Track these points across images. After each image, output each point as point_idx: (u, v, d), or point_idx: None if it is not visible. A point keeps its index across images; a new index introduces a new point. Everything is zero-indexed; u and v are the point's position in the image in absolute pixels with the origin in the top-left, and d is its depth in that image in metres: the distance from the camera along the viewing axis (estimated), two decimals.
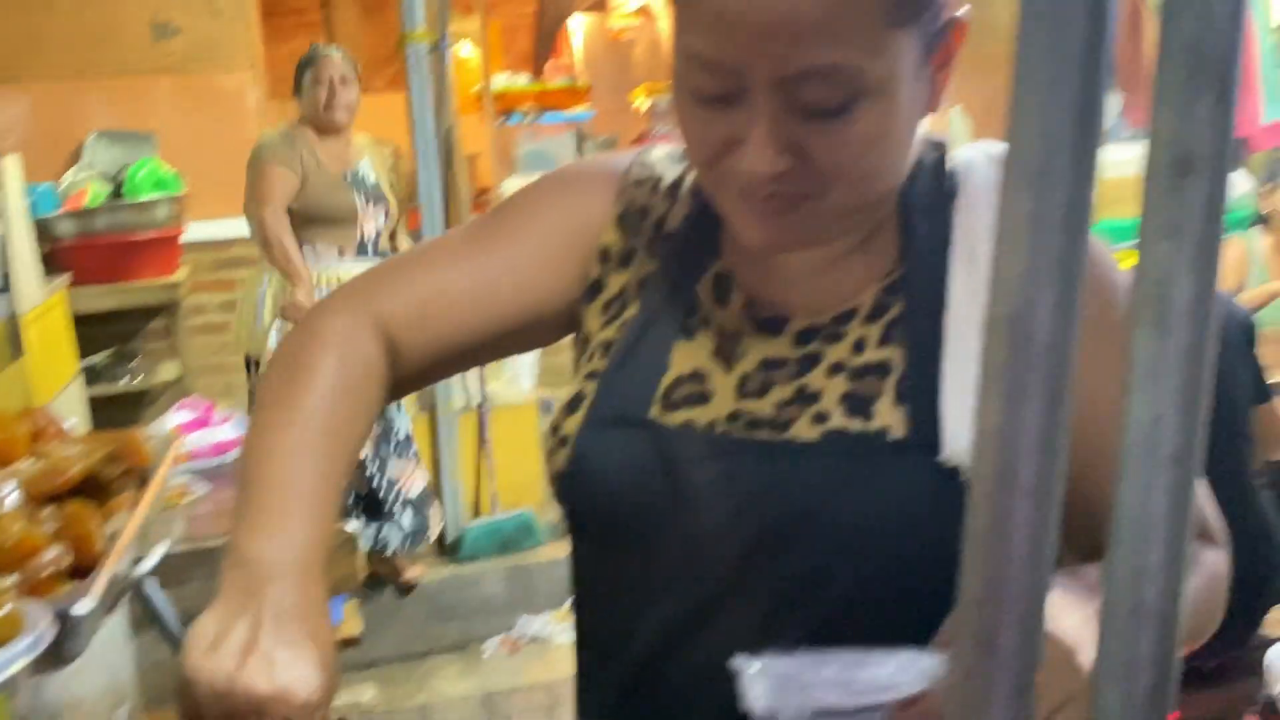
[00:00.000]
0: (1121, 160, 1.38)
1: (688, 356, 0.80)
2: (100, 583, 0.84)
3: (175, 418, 2.22)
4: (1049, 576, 0.36)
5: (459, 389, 3.46)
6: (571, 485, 0.79)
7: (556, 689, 3.00)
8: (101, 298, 3.69)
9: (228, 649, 0.62)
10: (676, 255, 0.83)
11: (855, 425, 0.73)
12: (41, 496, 0.91)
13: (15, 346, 2.90)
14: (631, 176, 0.86)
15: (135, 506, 1.00)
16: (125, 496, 0.98)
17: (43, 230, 3.62)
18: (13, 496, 0.89)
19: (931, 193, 0.79)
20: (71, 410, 3.25)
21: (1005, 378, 0.34)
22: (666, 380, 0.79)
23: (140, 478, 1.05)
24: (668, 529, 0.76)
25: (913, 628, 0.63)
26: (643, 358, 0.80)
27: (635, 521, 0.77)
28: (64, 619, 0.80)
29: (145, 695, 1.11)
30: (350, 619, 2.49)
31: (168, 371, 3.98)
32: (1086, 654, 0.57)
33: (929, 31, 0.69)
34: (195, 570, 1.66)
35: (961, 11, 0.72)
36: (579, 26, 6.31)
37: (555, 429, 0.81)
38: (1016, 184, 0.33)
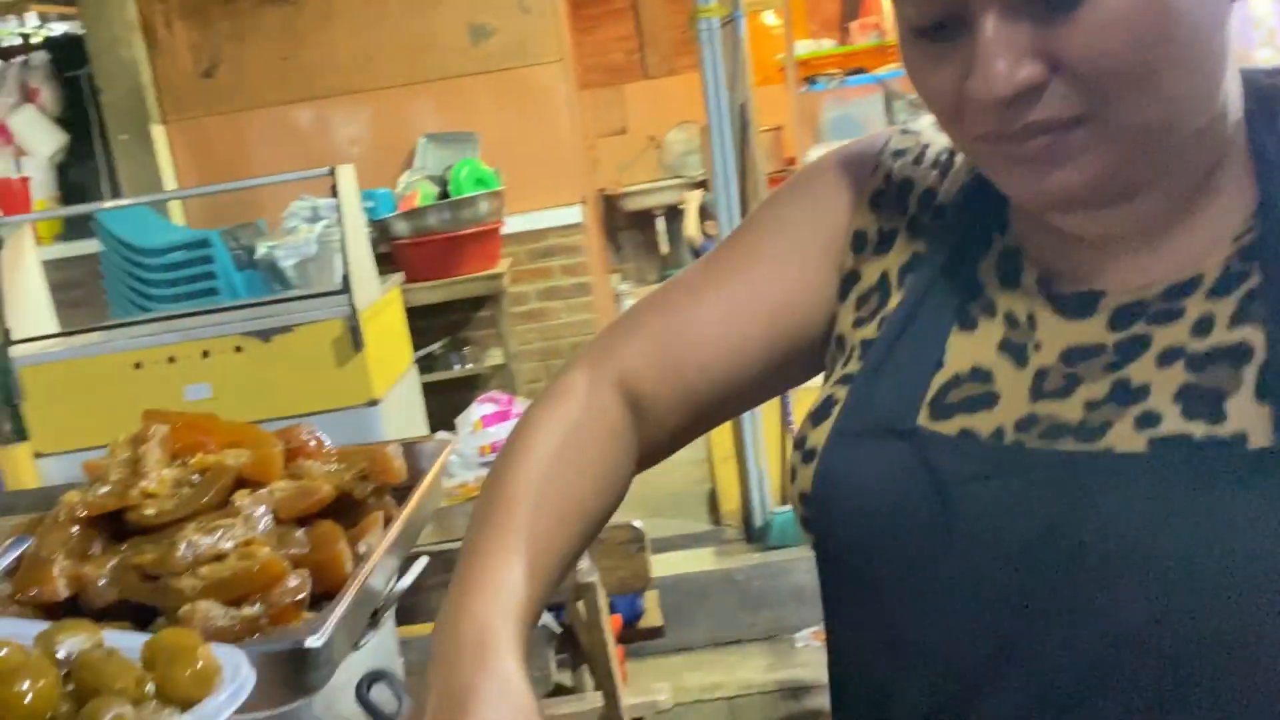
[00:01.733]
0: None
1: (967, 351, 0.65)
2: (337, 614, 0.83)
3: (479, 410, 2.30)
4: None
5: None
6: (818, 508, 0.67)
7: None
8: (433, 291, 3.96)
9: None
10: (951, 232, 0.69)
11: (1199, 430, 0.56)
12: (293, 518, 0.92)
13: (356, 341, 3.16)
14: (890, 148, 0.74)
15: (389, 524, 0.98)
16: (377, 515, 0.97)
17: (383, 231, 3.95)
18: (265, 520, 0.89)
19: None
20: (409, 397, 3.50)
21: None
22: (939, 380, 0.65)
23: (400, 494, 1.04)
24: (939, 564, 0.62)
25: (1269, 711, 0.49)
26: (909, 355, 0.67)
27: (896, 555, 0.63)
28: (299, 652, 0.79)
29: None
30: (652, 609, 2.50)
31: (494, 357, 4.23)
32: None
33: None
34: None
35: None
36: None
37: (800, 442, 0.69)
38: None
